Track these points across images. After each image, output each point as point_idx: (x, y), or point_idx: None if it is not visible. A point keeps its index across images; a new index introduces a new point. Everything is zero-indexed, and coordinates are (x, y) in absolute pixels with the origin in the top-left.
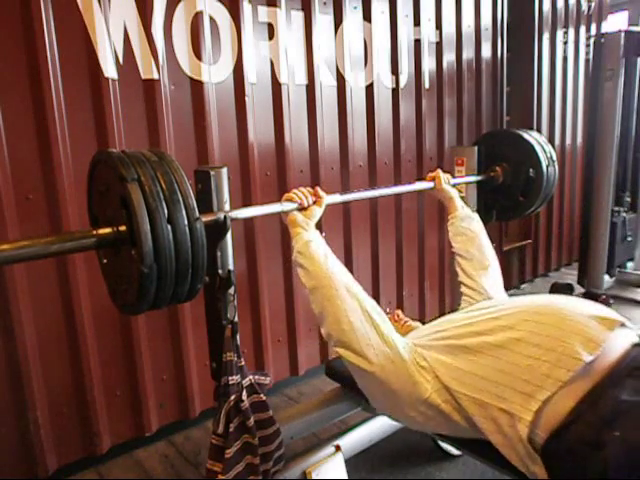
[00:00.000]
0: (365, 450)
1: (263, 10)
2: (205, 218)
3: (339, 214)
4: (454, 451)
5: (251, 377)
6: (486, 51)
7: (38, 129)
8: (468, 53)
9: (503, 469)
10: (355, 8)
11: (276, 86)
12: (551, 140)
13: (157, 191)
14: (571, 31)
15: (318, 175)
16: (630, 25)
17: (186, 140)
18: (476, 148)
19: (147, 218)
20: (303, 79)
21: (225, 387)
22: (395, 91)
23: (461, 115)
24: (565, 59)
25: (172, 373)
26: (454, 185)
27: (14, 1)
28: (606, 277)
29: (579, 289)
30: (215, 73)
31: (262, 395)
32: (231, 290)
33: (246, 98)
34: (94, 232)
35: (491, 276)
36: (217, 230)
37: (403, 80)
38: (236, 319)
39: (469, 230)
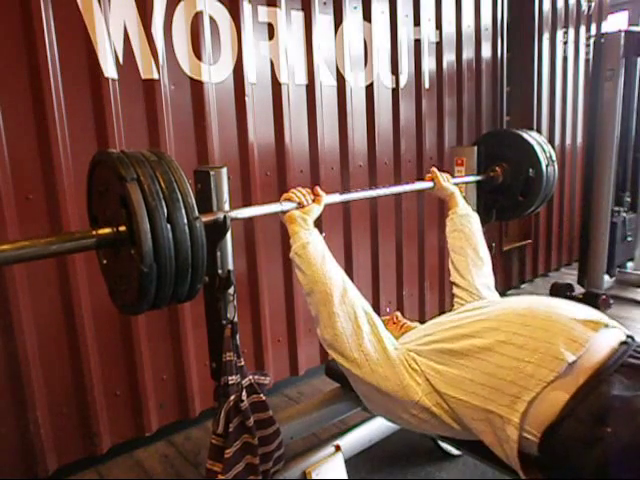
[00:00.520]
0: (365, 450)
1: (263, 10)
2: (205, 218)
3: (339, 214)
4: (454, 451)
5: (251, 377)
6: (486, 51)
7: (38, 129)
8: (468, 53)
9: (503, 469)
10: (355, 8)
11: (276, 86)
12: (551, 140)
13: (156, 190)
14: (571, 31)
15: (318, 175)
16: (630, 25)
17: (186, 140)
18: (476, 148)
19: (147, 217)
20: (303, 79)
21: (225, 387)
22: (395, 91)
23: (461, 115)
24: (565, 59)
25: (172, 373)
26: (454, 185)
27: (14, 1)
28: (606, 277)
29: (579, 289)
30: (215, 73)
31: (262, 395)
32: (231, 290)
33: (246, 98)
34: (94, 232)
35: (484, 276)
36: (217, 230)
37: (403, 80)
38: (236, 319)
39: (467, 227)
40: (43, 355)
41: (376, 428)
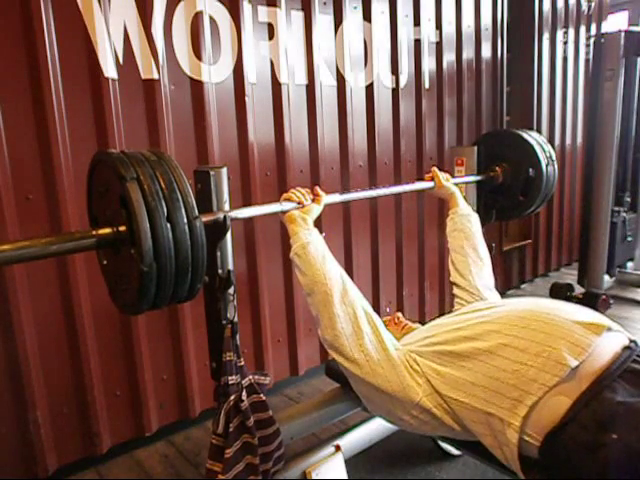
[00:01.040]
0: (365, 450)
1: (263, 10)
2: (205, 218)
3: (339, 214)
4: (454, 451)
5: (251, 377)
6: (486, 51)
7: (38, 129)
8: (468, 53)
9: (503, 469)
10: (355, 8)
11: (276, 86)
12: (551, 140)
13: (156, 190)
14: (571, 31)
15: (318, 175)
16: (630, 25)
17: (186, 140)
18: (476, 148)
19: (146, 217)
20: (303, 79)
21: (225, 387)
22: (395, 91)
23: (461, 115)
24: (565, 59)
25: (172, 373)
26: (454, 185)
27: (14, 1)
28: (606, 277)
29: (579, 289)
30: (215, 73)
31: (262, 395)
32: (231, 290)
33: (246, 98)
34: (94, 232)
35: (484, 276)
36: (217, 230)
37: (403, 80)
38: (236, 319)
39: (467, 227)
40: (43, 355)
41: (376, 428)
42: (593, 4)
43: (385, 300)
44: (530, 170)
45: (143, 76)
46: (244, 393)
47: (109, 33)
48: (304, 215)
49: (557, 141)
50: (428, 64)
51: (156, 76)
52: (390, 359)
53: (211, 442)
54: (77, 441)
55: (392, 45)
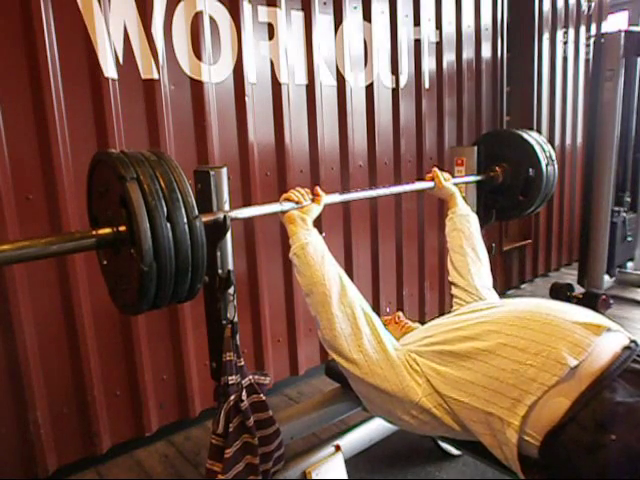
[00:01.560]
0: (365, 450)
1: (263, 10)
2: (205, 218)
3: (339, 214)
4: (454, 451)
5: (251, 377)
6: (486, 51)
7: (38, 129)
8: (468, 53)
9: (503, 469)
10: (355, 8)
11: (276, 86)
12: (551, 140)
13: (156, 190)
14: (571, 31)
15: (318, 175)
16: (630, 25)
17: (186, 140)
18: (476, 148)
19: (146, 216)
20: (303, 79)
21: (225, 387)
22: (395, 91)
23: (461, 115)
24: (565, 59)
25: (172, 373)
26: (454, 184)
27: (14, 1)
28: (606, 277)
29: (579, 289)
30: (215, 73)
31: (262, 395)
32: (231, 290)
33: (246, 98)
34: (94, 232)
35: (482, 276)
36: (217, 230)
37: (403, 80)
38: (236, 319)
39: (466, 227)
40: (43, 355)
41: (376, 428)
42: (593, 4)
43: (385, 300)
44: (530, 170)
45: (143, 76)
46: (244, 393)
47: (109, 33)
48: (303, 215)
49: (557, 141)
50: (428, 64)
51: (156, 76)
52: (389, 359)
53: (211, 442)
54: (77, 441)
55: (392, 45)
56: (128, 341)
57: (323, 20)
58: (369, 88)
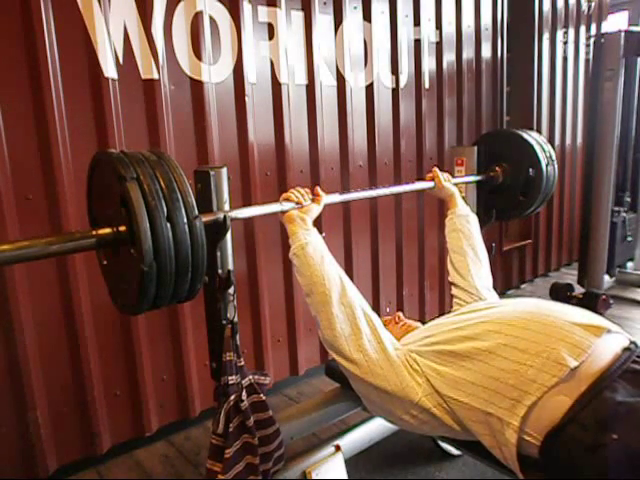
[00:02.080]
0: (365, 450)
1: (263, 10)
2: (205, 218)
3: (339, 214)
4: (454, 451)
5: (251, 377)
6: (486, 51)
7: (38, 129)
8: (468, 53)
9: (503, 469)
10: (355, 8)
11: (276, 86)
12: (551, 140)
13: (156, 190)
14: (571, 31)
15: (318, 175)
16: (630, 25)
17: (186, 140)
18: (476, 148)
19: (146, 216)
20: (303, 79)
21: (225, 387)
22: (395, 91)
23: (461, 115)
24: (565, 59)
25: (172, 373)
26: (454, 184)
27: (14, 1)
28: (606, 277)
29: (579, 289)
30: (215, 73)
31: (262, 395)
32: (231, 290)
33: (246, 98)
34: (94, 232)
35: (482, 276)
36: (217, 230)
37: (403, 80)
38: (236, 319)
39: (466, 228)
40: (43, 355)
41: (376, 428)
42: (593, 4)
43: (385, 300)
44: (530, 170)
45: (143, 76)
46: (244, 393)
47: (109, 33)
48: (303, 215)
49: (557, 141)
50: (428, 64)
51: (156, 76)
52: (389, 359)
53: (211, 442)
54: (77, 441)
55: (392, 45)
56: (128, 341)
57: (323, 20)
58: (369, 88)
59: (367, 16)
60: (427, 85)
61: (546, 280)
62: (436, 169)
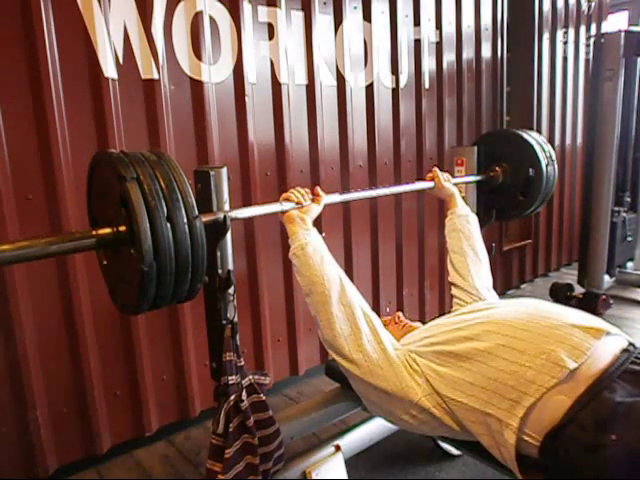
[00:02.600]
0: (365, 450)
1: (263, 10)
2: (205, 218)
3: (339, 214)
4: (454, 451)
5: (251, 377)
6: (486, 51)
7: (38, 129)
8: (468, 53)
9: (503, 469)
10: (355, 8)
11: (276, 86)
12: (551, 140)
13: (156, 190)
14: (571, 31)
15: (318, 175)
16: (630, 25)
17: (186, 140)
18: (476, 148)
19: (146, 216)
20: (303, 79)
21: (225, 387)
22: (395, 91)
23: (461, 115)
24: (565, 59)
25: (172, 373)
26: (454, 184)
27: (14, 1)
28: (606, 277)
29: (579, 289)
30: (215, 73)
31: (262, 395)
32: (231, 290)
33: (246, 98)
34: (94, 232)
35: (482, 277)
36: (217, 230)
37: (403, 80)
38: (236, 319)
39: (466, 228)
40: (43, 355)
41: (376, 428)
42: (593, 4)
43: (385, 300)
44: (530, 170)
45: (143, 76)
46: (244, 393)
47: (109, 33)
48: (303, 215)
49: (557, 141)
50: (428, 64)
51: (156, 76)
52: (389, 359)
53: (211, 442)
54: (77, 441)
55: (392, 45)
56: (128, 341)
57: (323, 20)
58: (369, 88)
59: (367, 16)
60: (427, 85)
61: (546, 280)
62: (436, 169)
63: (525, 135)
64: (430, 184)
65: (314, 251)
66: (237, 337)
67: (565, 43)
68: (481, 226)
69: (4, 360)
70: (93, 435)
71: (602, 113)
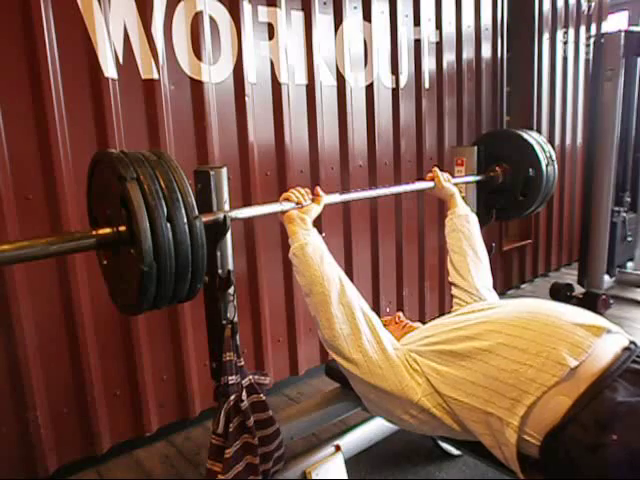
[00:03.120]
0: (365, 450)
1: (263, 10)
2: (205, 218)
3: (339, 214)
4: (454, 451)
5: (251, 377)
6: (486, 51)
7: (38, 129)
8: (468, 53)
9: (503, 469)
10: (355, 8)
11: (276, 86)
12: (551, 140)
13: (156, 190)
14: (571, 31)
15: (318, 175)
16: (630, 25)
17: (186, 140)
18: (476, 148)
19: (147, 216)
20: (303, 79)
21: (225, 387)
22: (395, 91)
23: (461, 115)
24: (565, 59)
25: (172, 373)
26: (454, 184)
27: (14, 1)
28: (606, 277)
29: (579, 289)
30: (215, 73)
31: (262, 395)
32: (231, 290)
33: (246, 98)
34: (94, 232)
35: (483, 277)
36: (217, 230)
37: (403, 80)
38: (236, 319)
39: (466, 228)
40: (43, 355)
41: (376, 428)
42: (593, 4)
43: (385, 300)
44: (530, 170)
45: (143, 76)
46: (244, 393)
47: (109, 33)
48: (303, 215)
49: (557, 141)
50: (428, 64)
51: (156, 76)
52: (388, 359)
53: (211, 442)
54: (77, 441)
55: (392, 45)
56: (128, 341)
57: (323, 20)
58: (369, 88)
59: (367, 16)
60: (427, 85)
61: (546, 280)
62: (436, 169)
63: (525, 135)
64: (430, 184)
65: (314, 251)
66: (237, 337)
67: (565, 43)
68: (481, 226)
69: (4, 360)
70: (93, 435)
71: (602, 113)
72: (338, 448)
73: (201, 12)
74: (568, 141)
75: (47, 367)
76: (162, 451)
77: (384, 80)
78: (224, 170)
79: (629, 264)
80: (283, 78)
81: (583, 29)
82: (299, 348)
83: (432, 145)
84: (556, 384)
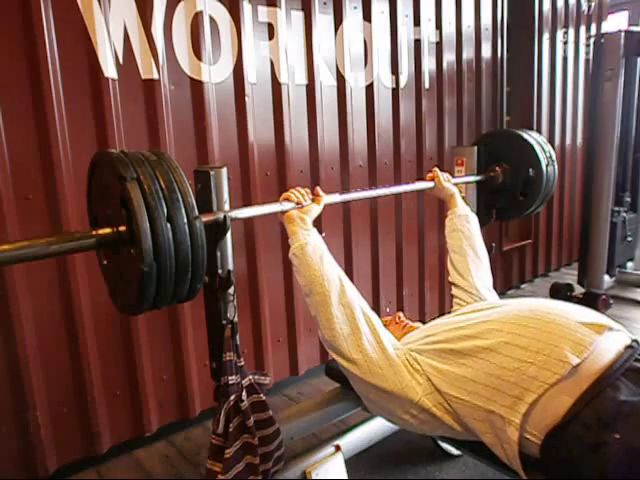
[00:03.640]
0: (365, 450)
1: (263, 10)
2: (205, 218)
3: (339, 214)
4: (454, 451)
5: (251, 377)
6: (486, 51)
7: (38, 129)
8: (468, 53)
9: (503, 469)
10: (355, 8)
11: (276, 86)
12: (551, 140)
13: (156, 190)
14: (571, 31)
15: (318, 175)
16: (630, 25)
17: (186, 140)
18: (476, 148)
19: (147, 216)
20: (303, 79)
21: (225, 387)
22: (395, 91)
23: (461, 115)
24: (565, 59)
25: (172, 373)
26: (454, 184)
27: (14, 1)
28: (606, 277)
29: (579, 289)
30: (215, 73)
31: (262, 395)
32: (231, 290)
33: (246, 98)
34: (94, 232)
35: (483, 276)
36: (217, 230)
37: (403, 80)
38: (236, 319)
39: (466, 228)
40: (43, 355)
41: (376, 428)
42: (593, 4)
43: (385, 300)
44: (530, 170)
45: (143, 76)
46: (244, 393)
47: (109, 33)
48: (303, 215)
49: (557, 141)
50: (428, 64)
51: (156, 76)
52: (389, 359)
53: (211, 442)
54: (77, 441)
55: (392, 45)
56: (128, 341)
57: (323, 20)
58: (369, 88)
59: (367, 16)
60: (427, 85)
61: (546, 280)
62: (436, 169)
63: (525, 135)
64: (430, 184)
65: (314, 251)
66: (237, 337)
67: (565, 43)
68: (481, 226)
69: (4, 360)
70: (93, 435)
71: (602, 113)
72: (338, 448)
73: (201, 12)
74: (568, 141)
75: (47, 367)
76: (162, 451)
77: (384, 80)
78: (224, 170)
79: (629, 264)
80: (283, 78)
81: (583, 29)
82: (299, 348)
83: (432, 145)
84: (558, 382)
